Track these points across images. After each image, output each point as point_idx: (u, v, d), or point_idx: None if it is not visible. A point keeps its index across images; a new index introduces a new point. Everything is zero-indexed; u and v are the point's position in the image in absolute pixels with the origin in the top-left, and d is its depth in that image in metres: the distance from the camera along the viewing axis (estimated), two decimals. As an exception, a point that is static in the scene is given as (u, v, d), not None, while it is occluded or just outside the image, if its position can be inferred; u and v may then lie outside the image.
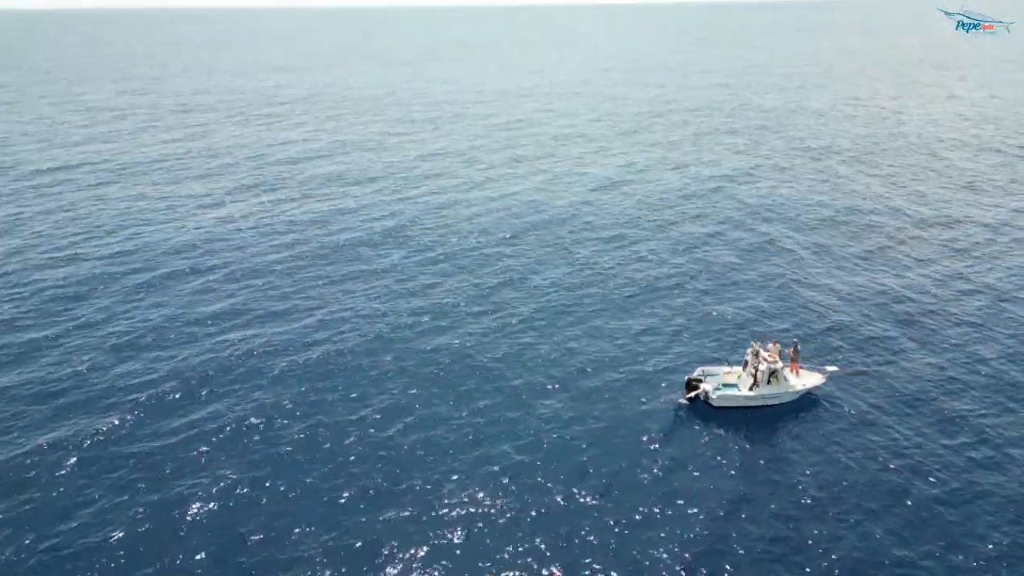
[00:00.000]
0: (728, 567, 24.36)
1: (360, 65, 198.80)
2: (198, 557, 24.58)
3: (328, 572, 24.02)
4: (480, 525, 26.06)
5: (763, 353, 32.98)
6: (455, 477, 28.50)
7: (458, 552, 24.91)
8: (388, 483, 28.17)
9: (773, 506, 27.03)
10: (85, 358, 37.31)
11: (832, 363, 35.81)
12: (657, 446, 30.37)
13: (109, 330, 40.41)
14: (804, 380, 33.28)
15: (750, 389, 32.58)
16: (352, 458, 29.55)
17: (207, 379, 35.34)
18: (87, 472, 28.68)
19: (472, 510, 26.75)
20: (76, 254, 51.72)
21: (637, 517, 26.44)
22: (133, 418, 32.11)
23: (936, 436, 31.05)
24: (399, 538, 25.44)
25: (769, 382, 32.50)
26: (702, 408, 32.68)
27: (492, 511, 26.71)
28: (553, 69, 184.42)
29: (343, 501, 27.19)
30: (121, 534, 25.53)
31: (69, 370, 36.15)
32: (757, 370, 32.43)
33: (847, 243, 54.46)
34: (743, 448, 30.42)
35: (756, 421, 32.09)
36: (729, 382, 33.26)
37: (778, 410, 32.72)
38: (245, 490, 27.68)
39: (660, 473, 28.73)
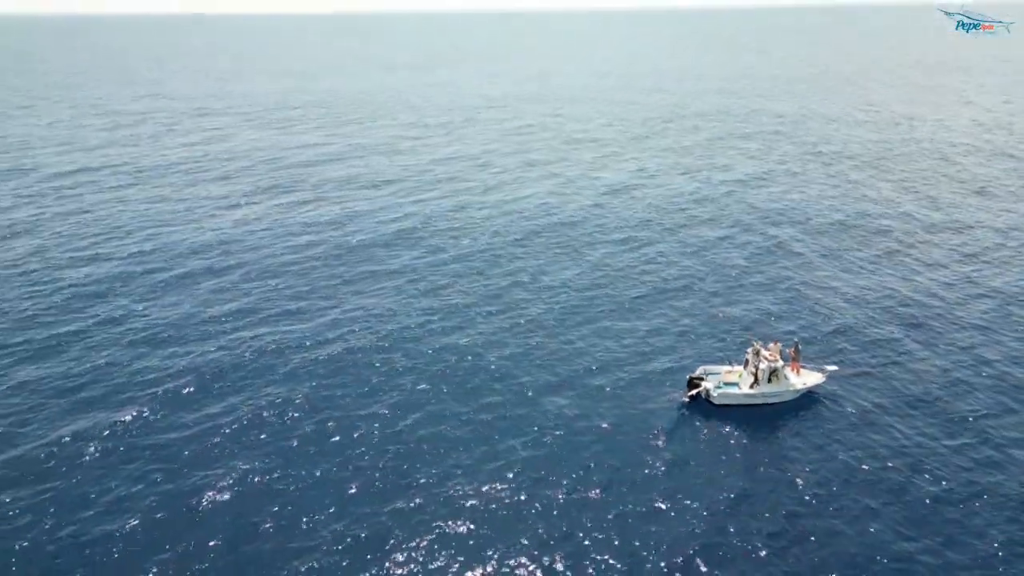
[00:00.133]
0: (728, 560, 24.86)
1: (371, 70, 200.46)
2: (211, 543, 25.39)
3: (336, 560, 24.73)
4: (485, 517, 26.69)
5: (764, 352, 33.46)
6: (462, 471, 29.16)
7: (463, 542, 25.55)
8: (396, 476, 28.88)
9: (773, 502, 27.49)
10: (104, 353, 38.33)
11: (833, 363, 36.20)
12: (659, 443, 30.90)
13: (127, 327, 41.44)
14: (804, 379, 33.75)
15: (751, 387, 33.08)
16: (361, 451, 30.29)
17: (222, 374, 36.24)
18: (105, 462, 29.59)
19: (478, 503, 27.39)
20: (96, 254, 52.92)
21: (639, 511, 26.99)
22: (150, 411, 33.02)
23: (937, 435, 31.38)
24: (405, 529, 26.12)
25: (770, 380, 32.98)
26: (704, 406, 33.22)
27: (497, 504, 27.33)
28: (559, 74, 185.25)
29: (352, 492, 27.91)
30: (137, 521, 26.39)
31: (89, 365, 37.18)
32: (758, 369, 32.93)
33: (857, 247, 54.72)
34: (744, 445, 30.90)
35: (757, 419, 32.57)
36: (731, 381, 33.75)
37: (779, 408, 33.20)
38: (257, 480, 28.47)
39: (662, 469, 29.26)
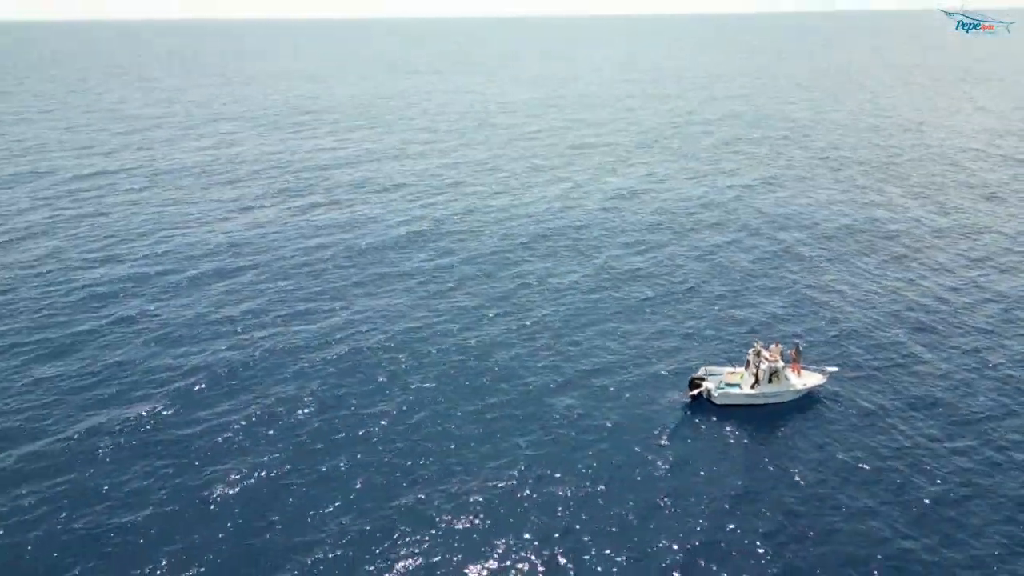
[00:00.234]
0: (729, 557, 25.21)
1: (383, 75, 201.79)
2: (221, 535, 25.99)
3: (341, 552, 25.25)
4: (489, 513, 27.15)
5: (764, 353, 33.83)
6: (467, 468, 29.65)
7: (467, 538, 26.02)
8: (401, 472, 29.40)
9: (773, 500, 27.81)
10: (118, 352, 39.11)
11: (835, 364, 36.49)
12: (662, 442, 31.28)
13: (141, 326, 42.23)
14: (805, 380, 34.09)
15: (751, 388, 33.46)
16: (367, 448, 30.83)
17: (233, 373, 36.92)
18: (119, 457, 30.27)
19: (482, 499, 27.85)
20: (111, 255, 53.85)
21: (642, 508, 27.38)
22: (163, 408, 33.70)
23: (939, 437, 31.62)
24: (410, 524, 26.61)
25: (770, 381, 33.35)
26: (705, 406, 33.63)
27: (502, 500, 27.79)
28: (567, 79, 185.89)
29: (358, 488, 28.44)
30: (149, 513, 27.02)
31: (103, 363, 37.95)
32: (759, 369, 33.30)
33: (864, 252, 54.92)
34: (745, 444, 31.26)
35: (758, 419, 32.94)
36: (732, 382, 34.13)
37: (780, 408, 33.55)
38: (265, 475, 29.06)
39: (664, 467, 29.64)
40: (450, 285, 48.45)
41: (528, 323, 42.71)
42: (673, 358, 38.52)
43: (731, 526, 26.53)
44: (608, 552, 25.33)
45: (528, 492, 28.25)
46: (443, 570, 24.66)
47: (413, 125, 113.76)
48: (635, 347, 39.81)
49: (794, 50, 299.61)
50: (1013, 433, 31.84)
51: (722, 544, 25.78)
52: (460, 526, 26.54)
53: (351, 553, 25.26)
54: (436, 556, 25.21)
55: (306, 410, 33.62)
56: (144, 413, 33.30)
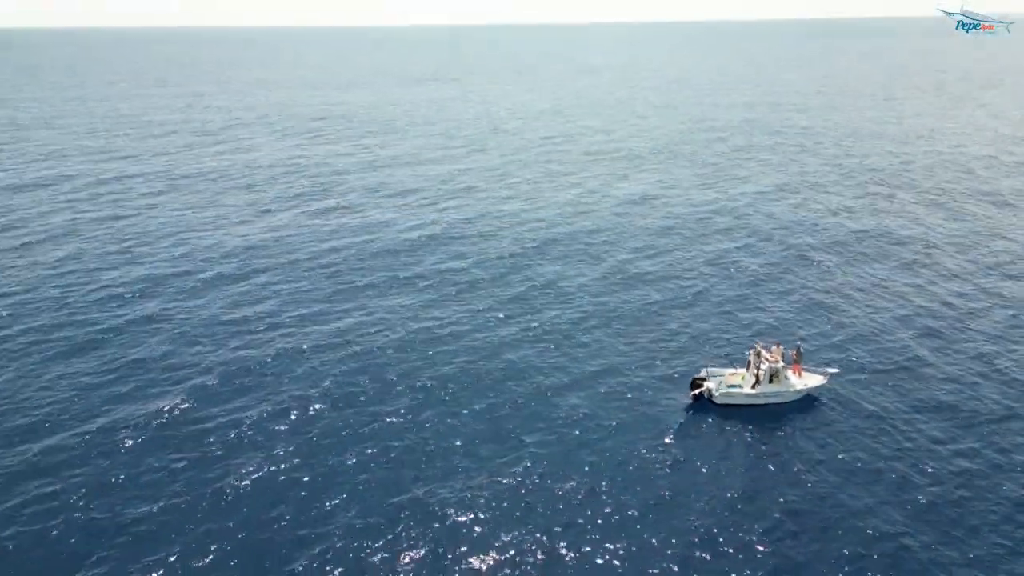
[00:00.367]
0: (729, 554, 25.63)
1: (397, 83, 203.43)
2: (232, 526, 26.72)
3: (349, 545, 25.89)
4: (494, 508, 27.71)
5: (764, 354, 34.30)
6: (473, 464, 30.25)
7: (471, 533, 26.60)
8: (408, 468, 30.04)
9: (774, 498, 28.21)
10: (136, 350, 40.08)
11: (836, 366, 36.84)
12: (664, 441, 31.77)
13: (158, 326, 43.20)
14: (806, 380, 34.51)
15: (752, 388, 33.92)
16: (375, 444, 31.51)
17: (247, 371, 37.75)
18: (136, 451, 31.13)
19: (487, 494, 28.41)
20: (129, 257, 55.00)
21: (644, 505, 27.86)
22: (178, 404, 34.56)
23: (941, 438, 31.88)
24: (416, 519, 27.22)
25: (771, 381, 33.81)
26: (707, 406, 34.15)
27: (506, 496, 28.35)
28: (583, 87, 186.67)
29: (366, 483, 29.10)
30: (164, 505, 27.81)
31: (122, 361, 38.92)
32: (759, 370, 33.77)
33: (874, 258, 55.14)
34: (746, 444, 31.72)
35: (759, 418, 33.39)
36: (733, 383, 34.58)
37: (781, 409, 34.00)
38: (275, 469, 29.79)
39: (667, 465, 30.13)
40: (460, 287, 49.16)
41: (536, 325, 43.32)
42: (679, 359, 38.99)
43: (732, 523, 26.96)
44: (611, 547, 25.83)
45: (533, 488, 28.80)
46: (448, 564, 25.24)
47: (426, 131, 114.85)
48: (641, 348, 40.32)
49: (800, 57, 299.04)
50: (1016, 436, 32.05)
51: (722, 540, 26.20)
52: (465, 520, 27.12)
53: (358, 544, 25.90)
54: (441, 550, 25.79)
55: (317, 406, 34.38)
56: (160, 409, 34.16)
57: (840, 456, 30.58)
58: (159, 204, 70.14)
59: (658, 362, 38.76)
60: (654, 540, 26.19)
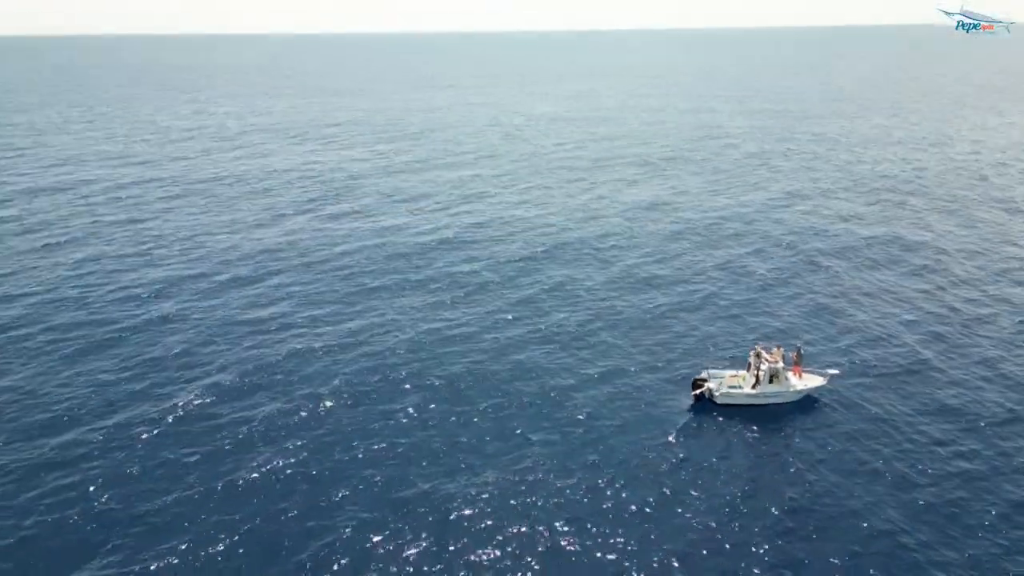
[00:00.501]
0: (730, 551, 26.07)
1: (409, 90, 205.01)
2: (242, 518, 27.47)
3: (355, 538, 26.55)
4: (499, 504, 28.29)
5: (764, 355, 34.75)
6: (479, 461, 30.85)
7: (476, 527, 27.18)
8: (415, 464, 30.69)
9: (774, 497, 28.61)
10: (153, 348, 41.03)
11: (840, 368, 37.15)
12: (666, 440, 32.26)
13: (174, 325, 44.16)
14: (806, 381, 34.91)
15: (752, 388, 34.35)
16: (383, 441, 32.19)
17: (260, 370, 38.57)
18: (151, 445, 31.98)
19: (492, 491, 28.99)
20: (146, 260, 56.14)
21: (645, 503, 28.35)
22: (192, 401, 35.43)
23: (942, 440, 32.14)
24: (421, 514, 27.85)
25: (771, 382, 34.22)
26: (708, 406, 34.66)
27: (511, 493, 28.92)
28: (595, 94, 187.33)
29: (373, 478, 29.76)
30: (177, 497, 28.62)
31: (139, 359, 39.88)
32: (759, 370, 34.20)
33: (883, 264, 55.31)
34: (747, 443, 32.17)
35: (760, 418, 33.82)
36: (734, 384, 35.01)
37: (782, 409, 34.42)
38: (285, 464, 30.52)
39: (669, 464, 30.60)
40: (470, 289, 49.85)
41: (544, 326, 43.90)
42: (684, 362, 39.42)
43: (732, 520, 27.39)
44: (613, 543, 26.32)
45: (537, 485, 29.34)
46: (452, 557, 25.83)
47: (439, 137, 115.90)
48: (647, 350, 40.79)
49: (810, 63, 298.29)
50: (1019, 439, 32.23)
51: (723, 537, 26.64)
52: (470, 515, 27.70)
53: (364, 536, 26.56)
54: (446, 544, 26.38)
55: (327, 403, 35.15)
56: (175, 405, 35.04)
57: (840, 456, 30.93)
58: (176, 208, 71.41)
59: (663, 364, 39.23)
60: (655, 536, 26.66)
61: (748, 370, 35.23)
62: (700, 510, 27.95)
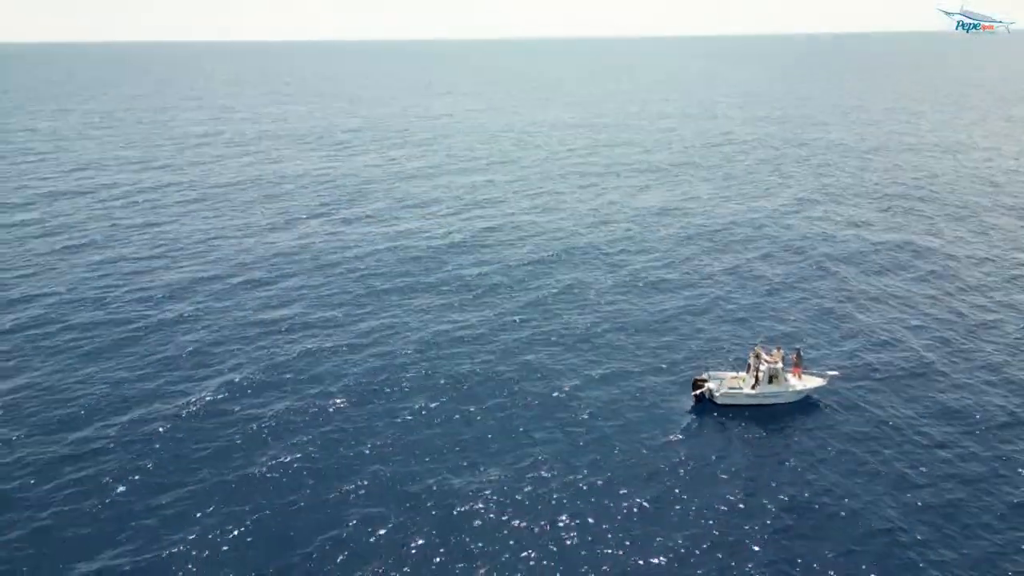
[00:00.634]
0: (730, 550, 26.48)
1: (424, 96, 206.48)
2: (251, 512, 28.20)
3: (361, 533, 27.19)
4: (502, 502, 28.86)
5: (764, 355, 35.16)
6: (483, 459, 31.44)
7: (479, 524, 27.76)
8: (418, 463, 31.32)
9: (773, 497, 28.99)
10: (167, 347, 41.99)
11: (839, 369, 37.45)
12: (667, 440, 32.73)
13: (188, 326, 45.11)
14: (805, 382, 35.28)
15: (752, 388, 34.76)
16: (390, 438, 32.87)
17: (272, 369, 39.39)
18: (164, 441, 32.83)
19: (495, 488, 29.57)
20: (163, 263, 57.26)
21: (646, 501, 28.83)
22: (205, 398, 36.28)
23: (943, 442, 32.39)
24: (426, 510, 28.47)
25: (770, 382, 34.62)
26: (709, 407, 35.12)
27: (514, 490, 29.48)
28: (607, 100, 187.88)
29: (380, 474, 30.42)
30: (188, 491, 29.40)
31: (154, 358, 40.83)
32: (759, 371, 34.61)
33: (891, 269, 55.45)
34: (747, 443, 32.61)
35: (760, 419, 34.24)
36: (734, 386, 35.42)
37: (783, 409, 34.83)
38: (294, 460, 31.25)
39: (669, 464, 31.06)
40: (479, 292, 50.52)
41: (551, 328, 44.46)
42: (688, 364, 39.85)
43: (732, 518, 27.80)
44: (614, 541, 26.81)
45: (540, 484, 29.88)
46: (456, 551, 26.41)
47: (451, 143, 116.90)
48: (651, 352, 41.28)
49: (819, 71, 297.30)
50: (1020, 442, 32.41)
51: (723, 535, 27.05)
52: (473, 513, 28.28)
53: (370, 530, 27.20)
54: (449, 538, 26.96)
55: (336, 401, 35.89)
56: (189, 402, 35.91)
57: (840, 456, 31.28)
58: (192, 212, 72.66)
59: (667, 366, 39.70)
60: (656, 534, 27.11)
61: (748, 371, 35.66)
62: (700, 509, 28.39)
